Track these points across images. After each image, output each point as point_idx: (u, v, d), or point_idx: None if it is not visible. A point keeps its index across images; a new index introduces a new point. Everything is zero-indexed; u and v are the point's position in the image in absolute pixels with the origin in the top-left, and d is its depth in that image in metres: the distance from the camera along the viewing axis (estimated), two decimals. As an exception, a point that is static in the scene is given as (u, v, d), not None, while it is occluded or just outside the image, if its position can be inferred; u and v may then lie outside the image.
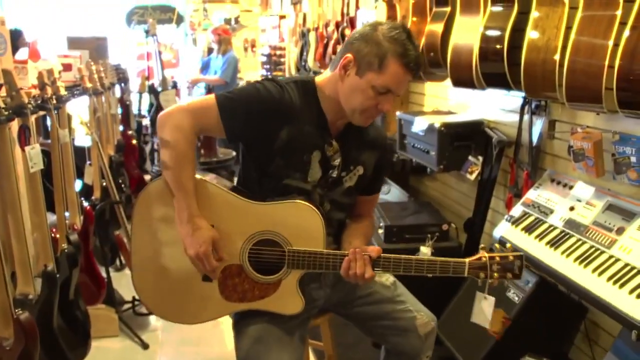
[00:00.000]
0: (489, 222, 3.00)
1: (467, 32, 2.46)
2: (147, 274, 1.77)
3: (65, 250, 2.22)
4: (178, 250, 1.71)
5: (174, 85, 5.61)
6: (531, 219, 2.27)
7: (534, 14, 2.05)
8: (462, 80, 2.53)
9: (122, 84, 4.70)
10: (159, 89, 5.06)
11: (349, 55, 1.65)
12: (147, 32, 5.30)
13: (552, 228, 2.16)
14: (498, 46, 2.22)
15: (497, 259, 1.65)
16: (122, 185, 3.60)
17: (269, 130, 1.68)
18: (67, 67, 3.37)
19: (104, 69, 3.59)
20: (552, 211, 2.22)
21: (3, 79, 1.98)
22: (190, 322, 1.81)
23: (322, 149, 1.73)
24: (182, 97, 7.52)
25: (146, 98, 5.39)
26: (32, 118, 2.41)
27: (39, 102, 2.27)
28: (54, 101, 2.28)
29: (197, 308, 1.76)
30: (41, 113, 2.38)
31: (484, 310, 1.81)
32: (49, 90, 2.26)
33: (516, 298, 2.27)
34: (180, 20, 8.25)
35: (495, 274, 1.65)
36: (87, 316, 2.43)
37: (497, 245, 1.73)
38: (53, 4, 8.13)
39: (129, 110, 4.69)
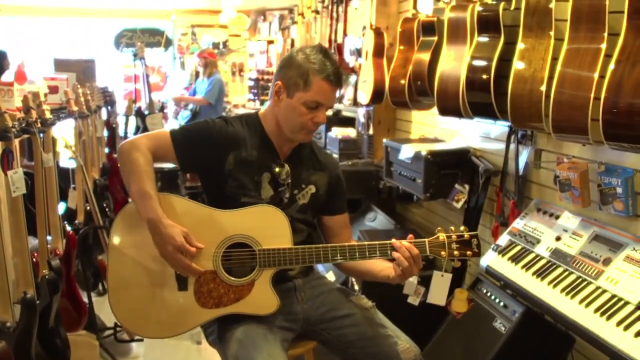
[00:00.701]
0: (476, 250, 2.99)
1: (454, 62, 2.49)
2: (123, 292, 1.80)
3: (46, 277, 2.17)
4: (153, 265, 1.77)
5: (161, 109, 5.61)
6: (517, 248, 2.27)
7: (520, 45, 2.08)
8: (449, 109, 2.55)
9: (109, 107, 4.68)
10: (146, 112, 5.04)
11: (279, 82, 1.88)
12: (135, 55, 5.31)
13: (538, 258, 2.15)
14: (484, 76, 2.24)
15: (454, 237, 1.80)
16: (107, 209, 3.56)
17: (217, 157, 1.88)
18: (54, 90, 3.34)
19: (90, 92, 3.57)
20: (538, 241, 2.22)
21: (-14, 102, 1.96)
22: (169, 334, 1.84)
23: (271, 170, 1.90)
24: (169, 120, 7.51)
25: (133, 121, 5.36)
26: (16, 141, 2.38)
27: (24, 125, 2.24)
28: (39, 125, 2.26)
29: (174, 319, 1.79)
30: (26, 135, 2.37)
31: (440, 288, 1.88)
32: (34, 114, 2.24)
33: (502, 328, 2.25)
34: (168, 43, 8.28)
35: (456, 252, 1.79)
36: (67, 343, 2.37)
37: (452, 227, 1.85)
38: (41, 26, 8.13)
39: (115, 133, 4.66)
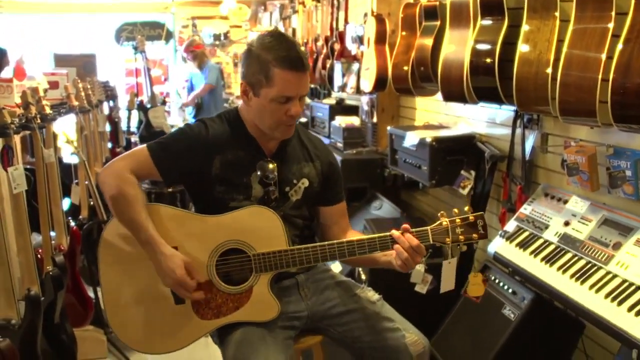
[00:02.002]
0: (483, 237, 2.96)
1: (457, 46, 2.45)
2: (121, 310, 1.75)
3: (50, 273, 2.16)
4: (147, 280, 1.71)
5: (163, 102, 5.58)
6: (525, 234, 2.24)
7: (525, 27, 2.04)
8: (453, 94, 2.51)
9: (111, 101, 4.65)
10: (148, 106, 5.02)
11: (242, 82, 1.76)
12: (135, 48, 5.27)
13: (547, 244, 2.12)
14: (489, 60, 2.20)
15: (458, 221, 1.72)
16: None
17: (201, 164, 1.78)
18: (54, 85, 3.32)
19: (91, 86, 3.55)
20: (546, 226, 2.19)
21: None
22: (170, 349, 1.77)
23: (259, 169, 1.81)
24: (172, 115, 7.49)
25: (135, 115, 5.34)
26: (17, 137, 2.36)
27: (23, 121, 2.22)
28: (38, 120, 2.23)
29: (174, 334, 1.74)
30: (26, 132, 2.35)
31: (448, 275, 1.81)
32: (33, 109, 2.21)
33: (512, 315, 2.23)
34: (169, 36, 8.23)
35: (461, 237, 1.71)
36: (73, 339, 2.37)
37: (455, 210, 1.77)
38: (42, 22, 8.10)
39: (118, 127, 4.64)
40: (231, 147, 1.81)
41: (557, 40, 1.93)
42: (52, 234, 2.63)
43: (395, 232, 1.72)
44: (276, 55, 1.67)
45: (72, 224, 2.75)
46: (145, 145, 1.82)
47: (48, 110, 2.46)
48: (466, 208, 1.77)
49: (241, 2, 7.89)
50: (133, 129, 5.40)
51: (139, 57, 5.41)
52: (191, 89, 6.34)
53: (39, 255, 2.34)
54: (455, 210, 1.76)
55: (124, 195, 1.69)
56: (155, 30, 8.12)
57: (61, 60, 4.27)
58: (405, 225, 1.74)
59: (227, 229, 1.74)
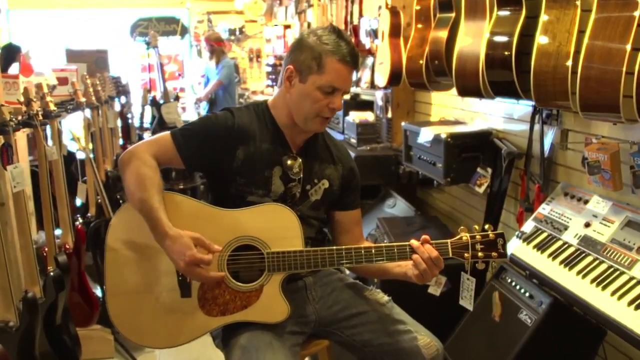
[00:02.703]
0: (500, 236, 2.86)
1: (473, 39, 2.34)
2: (123, 299, 1.70)
3: (51, 274, 2.11)
4: (152, 270, 1.65)
5: (176, 98, 5.54)
6: (544, 235, 2.14)
7: (544, 17, 1.93)
8: (469, 89, 2.41)
9: (124, 97, 4.62)
10: (161, 101, 4.97)
11: (290, 67, 1.74)
12: (148, 43, 5.23)
13: (566, 246, 2.02)
14: (505, 53, 2.09)
15: (479, 237, 1.67)
16: (120, 201, 3.50)
17: (224, 154, 1.75)
18: (63, 81, 3.28)
19: (101, 82, 3.50)
20: (566, 227, 2.08)
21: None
22: (172, 344, 1.72)
23: (282, 164, 1.78)
24: (188, 110, 7.46)
25: (149, 110, 5.30)
26: (21, 134, 2.32)
27: (26, 118, 2.18)
28: (40, 117, 2.18)
29: (177, 328, 1.68)
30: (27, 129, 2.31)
31: (467, 292, 1.77)
32: (35, 106, 2.17)
33: (529, 320, 2.12)
34: (184, 31, 8.20)
35: (480, 254, 1.66)
36: (77, 340, 2.32)
37: (476, 226, 1.72)
38: (57, 17, 8.12)
39: (129, 124, 4.60)
40: (256, 138, 1.77)
41: (577, 30, 1.83)
42: (58, 232, 2.60)
43: (414, 242, 1.66)
44: (333, 48, 1.69)
45: (77, 222, 2.70)
46: (169, 131, 1.80)
47: (52, 107, 2.41)
48: (487, 226, 1.70)
49: (257, -4, 7.83)
50: (146, 124, 5.37)
51: (152, 52, 5.37)
52: (207, 82, 6.30)
53: (45, 254, 2.31)
54: (476, 226, 1.71)
55: (140, 175, 1.66)
56: (170, 26, 8.09)
57: (73, 56, 4.24)
58: (425, 236, 1.68)
59: (243, 225, 1.69)
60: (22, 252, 2.06)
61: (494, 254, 1.66)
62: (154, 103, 5.15)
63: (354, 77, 1.73)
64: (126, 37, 8.05)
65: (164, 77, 5.17)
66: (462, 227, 1.70)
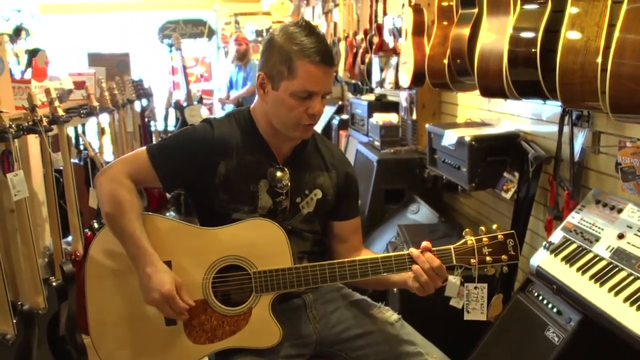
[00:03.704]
0: (529, 245, 2.70)
1: (496, 35, 2.19)
2: (106, 330, 1.59)
3: (54, 284, 2.05)
4: (136, 297, 1.54)
5: (200, 100, 5.49)
6: (573, 247, 1.98)
7: (571, 10, 1.77)
8: (492, 89, 2.25)
9: (146, 100, 4.59)
10: (185, 104, 4.93)
11: (261, 73, 1.61)
12: (171, 45, 5.21)
13: (597, 259, 1.86)
14: (530, 50, 1.94)
15: (485, 240, 1.54)
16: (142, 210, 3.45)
17: (204, 169, 1.62)
18: (80, 85, 3.25)
19: (118, 86, 3.47)
20: (597, 238, 1.92)
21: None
22: None
23: (269, 177, 1.65)
24: (216, 112, 7.44)
25: (172, 113, 5.28)
26: (28, 139, 2.27)
27: (31, 124, 2.13)
28: (45, 123, 2.13)
29: (164, 358, 1.57)
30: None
31: (477, 302, 1.62)
32: (39, 112, 2.12)
33: (556, 338, 1.96)
34: (211, 33, 8.19)
35: (488, 258, 1.54)
36: (83, 350, 2.26)
37: (482, 228, 1.57)
38: (89, 21, 8.22)
39: (149, 127, 4.57)
40: (239, 150, 1.64)
41: (608, 24, 1.66)
42: (69, 239, 2.56)
43: (414, 251, 1.53)
44: (302, 47, 1.52)
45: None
46: (145, 147, 1.68)
47: (61, 113, 2.36)
48: (494, 226, 1.56)
49: (283, -3, 7.77)
50: (171, 127, 5.34)
51: (176, 55, 5.35)
52: (230, 85, 6.23)
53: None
54: (482, 228, 1.55)
55: (118, 201, 1.55)
56: (197, 28, 8.09)
57: (95, 60, 4.23)
58: (426, 243, 1.54)
59: (227, 243, 1.57)
60: (25, 261, 2.02)
61: (503, 257, 1.53)
62: (177, 106, 5.12)
63: (333, 79, 1.53)
64: (154, 39, 8.09)
65: (187, 80, 5.13)
66: (467, 230, 1.57)
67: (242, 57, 6.06)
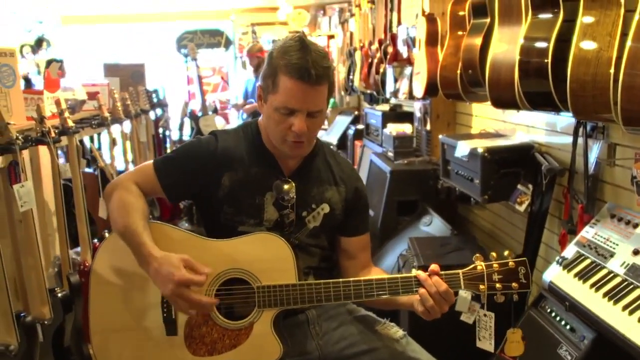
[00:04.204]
0: (543, 258, 2.63)
1: (507, 45, 2.15)
2: (106, 337, 1.60)
3: (59, 295, 2.05)
4: (138, 305, 1.55)
5: (215, 110, 5.51)
6: (586, 262, 1.92)
7: (583, 19, 1.72)
8: (503, 100, 2.21)
9: (161, 110, 4.61)
10: (200, 114, 4.95)
11: (259, 85, 1.62)
12: (186, 56, 5.23)
13: (611, 275, 1.80)
14: (541, 60, 1.90)
15: (496, 266, 1.51)
16: (150, 217, 3.45)
17: (208, 181, 1.62)
18: (93, 96, 3.27)
19: (132, 96, 3.48)
20: (611, 254, 1.86)
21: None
22: None
23: (275, 189, 1.64)
24: (232, 122, 7.46)
25: (188, 123, 5.30)
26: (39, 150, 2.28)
27: (39, 135, 2.14)
28: (53, 134, 2.14)
29: None
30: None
31: (487, 331, 1.56)
32: (47, 123, 2.12)
33: (569, 357, 1.90)
34: (228, 43, 8.23)
35: (498, 285, 1.50)
36: (89, 362, 2.26)
37: (493, 254, 1.52)
38: (109, 32, 8.33)
39: (163, 137, 4.59)
40: (244, 163, 1.64)
41: (621, 33, 1.62)
42: (78, 249, 2.56)
43: (421, 274, 1.49)
44: (287, 62, 1.51)
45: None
46: (151, 163, 1.71)
47: (70, 124, 2.37)
48: (506, 252, 1.52)
49: (300, 7, 7.77)
50: (186, 137, 5.36)
51: (192, 64, 5.37)
52: (246, 95, 6.23)
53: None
54: (494, 254, 1.51)
55: (124, 203, 1.58)
56: (215, 38, 8.15)
57: (111, 70, 4.26)
58: (434, 267, 1.50)
59: (232, 256, 1.55)
60: (31, 272, 2.01)
61: (514, 284, 1.49)
62: (192, 116, 5.14)
63: (320, 97, 1.49)
64: (172, 50, 8.17)
65: (202, 90, 5.15)
66: (477, 255, 1.53)
67: (257, 69, 6.06)
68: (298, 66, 1.49)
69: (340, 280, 1.53)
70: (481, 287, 1.48)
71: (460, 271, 1.50)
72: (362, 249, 1.75)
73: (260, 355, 1.52)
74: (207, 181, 1.63)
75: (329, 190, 1.70)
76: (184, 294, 1.43)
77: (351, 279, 1.53)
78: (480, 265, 1.50)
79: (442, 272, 1.50)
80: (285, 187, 1.64)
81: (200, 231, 1.71)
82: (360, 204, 1.75)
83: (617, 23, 1.63)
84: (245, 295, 1.54)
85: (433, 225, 3.26)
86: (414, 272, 1.51)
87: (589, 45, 1.69)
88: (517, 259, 1.50)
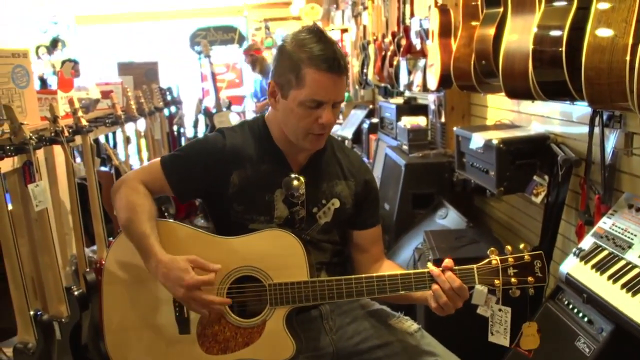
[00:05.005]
0: (560, 250, 2.60)
1: (521, 35, 2.12)
2: (120, 336, 1.60)
3: (75, 293, 2.07)
4: (151, 304, 1.55)
5: (228, 107, 5.51)
6: (604, 253, 1.89)
7: (598, 5, 1.69)
8: (517, 90, 2.18)
9: (175, 107, 4.63)
10: (214, 111, 4.96)
11: (271, 82, 1.58)
12: (200, 53, 5.25)
13: (630, 267, 1.76)
14: (555, 49, 1.86)
15: (511, 260, 1.48)
16: (165, 214, 3.48)
17: (217, 180, 1.61)
18: (107, 95, 3.29)
19: (146, 94, 3.50)
20: (630, 245, 1.82)
21: (5, 115, 1.87)
22: None
23: (284, 186, 1.62)
24: (248, 118, 7.48)
25: (202, 120, 5.31)
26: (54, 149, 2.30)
27: (53, 134, 2.16)
28: (67, 133, 2.16)
29: None
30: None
31: (502, 326, 1.55)
32: (61, 123, 2.14)
33: (587, 350, 1.88)
34: (242, 39, 8.24)
35: (513, 279, 1.47)
36: (106, 359, 2.28)
37: (508, 247, 1.50)
38: (122, 31, 8.38)
39: (177, 134, 4.60)
40: (252, 160, 1.63)
41: (636, 20, 1.58)
42: (94, 247, 2.58)
43: (434, 269, 1.47)
44: (310, 54, 1.49)
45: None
46: (159, 160, 1.69)
47: (84, 123, 2.39)
48: (521, 245, 1.50)
49: (313, 1, 7.74)
50: (200, 134, 5.38)
51: (205, 62, 5.38)
52: (255, 94, 6.22)
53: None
54: (509, 247, 1.49)
55: (131, 204, 1.56)
56: (228, 34, 8.16)
57: (125, 69, 4.30)
58: (447, 262, 1.48)
59: (242, 253, 1.54)
60: (48, 271, 2.04)
61: (530, 278, 1.46)
62: (207, 112, 5.15)
63: (344, 86, 1.49)
64: (186, 47, 8.19)
65: (216, 86, 5.16)
66: (492, 249, 1.50)
67: (254, 68, 6.02)
68: (325, 57, 1.48)
69: (352, 277, 1.52)
70: (496, 281, 1.46)
71: (474, 266, 1.48)
72: (374, 242, 1.74)
73: (273, 353, 1.52)
74: (216, 179, 1.62)
75: (338, 185, 1.68)
76: (196, 297, 1.44)
77: (363, 275, 1.52)
78: (495, 259, 1.48)
79: (456, 268, 1.48)
80: (295, 183, 1.63)
81: (200, 228, 1.71)
82: (371, 197, 1.74)
83: (634, 9, 1.59)
84: (257, 293, 1.54)
85: (449, 218, 3.23)
86: (430, 266, 1.49)
87: (604, 32, 1.65)
88: (532, 253, 1.48)
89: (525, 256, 1.47)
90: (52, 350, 1.84)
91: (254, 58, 5.98)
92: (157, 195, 1.68)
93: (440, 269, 1.47)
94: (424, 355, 1.59)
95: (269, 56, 6.29)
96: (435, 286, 1.45)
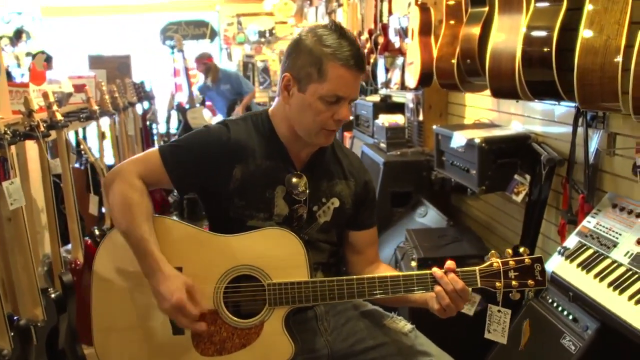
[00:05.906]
0: (541, 249, 2.62)
1: (508, 34, 2.13)
2: (110, 335, 1.54)
3: (52, 296, 1.99)
4: (143, 304, 1.49)
5: (202, 102, 5.42)
6: (589, 252, 1.91)
7: (589, 7, 1.70)
8: (504, 90, 2.19)
9: (148, 102, 4.53)
10: (187, 106, 4.87)
11: (287, 74, 1.54)
12: (172, 47, 5.14)
13: (615, 265, 1.78)
14: (544, 49, 1.87)
15: (512, 263, 1.48)
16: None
17: (219, 174, 1.56)
18: (80, 89, 3.19)
19: (120, 89, 3.40)
20: (615, 244, 1.84)
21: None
22: None
23: (286, 183, 1.59)
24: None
25: (175, 116, 5.21)
26: (26, 144, 2.21)
27: (28, 129, 2.07)
28: (42, 128, 2.07)
29: None
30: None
31: (499, 325, 1.55)
32: (36, 117, 2.06)
33: (572, 347, 1.89)
34: (214, 34, 8.12)
35: (514, 282, 1.47)
36: (84, 363, 2.20)
37: (509, 250, 1.51)
38: (90, 24, 8.17)
39: (150, 130, 4.50)
40: (256, 155, 1.58)
41: (629, 21, 1.59)
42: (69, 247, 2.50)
43: (437, 271, 1.46)
44: (336, 50, 1.47)
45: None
46: (157, 147, 1.62)
47: (59, 117, 2.30)
48: (522, 249, 1.49)
49: (286, -2, 7.70)
50: (173, 130, 5.28)
51: (178, 56, 5.28)
52: (202, 101, 5.95)
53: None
54: (509, 250, 1.49)
55: (128, 202, 1.49)
56: (200, 29, 8.03)
57: (96, 62, 4.17)
58: (450, 263, 1.47)
59: (241, 252, 1.50)
60: (22, 272, 1.95)
61: (530, 281, 1.46)
62: (180, 108, 5.05)
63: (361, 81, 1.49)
64: (157, 41, 8.03)
65: (189, 82, 5.06)
66: (492, 252, 1.50)
67: (207, 76, 5.75)
68: (351, 54, 1.48)
69: (354, 277, 1.49)
70: (497, 284, 1.46)
71: (476, 268, 1.47)
72: (369, 244, 1.72)
73: (271, 355, 1.48)
74: (218, 172, 1.56)
75: (338, 184, 1.66)
76: (178, 318, 1.43)
77: (365, 275, 1.50)
78: (496, 262, 1.48)
79: (459, 270, 1.47)
80: (297, 180, 1.59)
81: (195, 225, 1.65)
82: (370, 198, 1.72)
83: (626, 10, 1.60)
84: (255, 292, 1.50)
85: (428, 216, 3.24)
86: (434, 269, 1.48)
87: (596, 33, 1.66)
88: (533, 256, 1.49)
89: (526, 259, 1.48)
90: (29, 356, 1.76)
91: (207, 66, 5.77)
92: (152, 188, 1.61)
93: (443, 270, 1.46)
94: (418, 356, 1.58)
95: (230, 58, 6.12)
96: (438, 288, 1.44)
